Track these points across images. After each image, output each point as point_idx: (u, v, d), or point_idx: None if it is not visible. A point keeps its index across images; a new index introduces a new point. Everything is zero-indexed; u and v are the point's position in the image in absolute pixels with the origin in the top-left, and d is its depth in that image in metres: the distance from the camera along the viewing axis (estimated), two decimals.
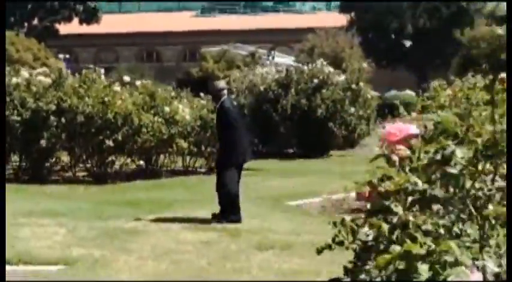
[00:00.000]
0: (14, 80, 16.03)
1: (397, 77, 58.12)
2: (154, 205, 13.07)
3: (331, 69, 22.98)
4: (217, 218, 11.39)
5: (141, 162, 16.49)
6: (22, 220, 11.38)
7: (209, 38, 68.00)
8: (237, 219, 11.31)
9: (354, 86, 22.88)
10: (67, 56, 53.78)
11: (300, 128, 22.37)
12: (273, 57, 53.55)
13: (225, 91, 11.93)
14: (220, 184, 11.59)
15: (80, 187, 15.45)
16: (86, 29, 63.12)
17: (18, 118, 15.68)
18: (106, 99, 15.53)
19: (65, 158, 16.82)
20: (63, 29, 62.22)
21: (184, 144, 16.95)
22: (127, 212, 12.29)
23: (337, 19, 62.31)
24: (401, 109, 13.74)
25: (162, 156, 17.50)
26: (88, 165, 16.87)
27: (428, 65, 60.78)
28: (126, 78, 16.74)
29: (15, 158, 17.71)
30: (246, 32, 69.89)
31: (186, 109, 17.21)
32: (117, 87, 16.03)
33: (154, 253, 9.13)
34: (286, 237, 10.22)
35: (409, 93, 57.26)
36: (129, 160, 16.86)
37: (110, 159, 16.29)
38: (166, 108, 16.64)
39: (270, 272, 8.26)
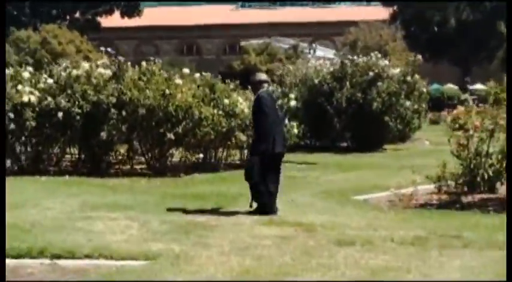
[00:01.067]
0: (74, 72, 15.90)
1: (440, 71, 57.48)
2: (220, 199, 12.87)
3: (387, 62, 22.67)
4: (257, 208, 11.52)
5: (201, 155, 16.27)
6: (91, 213, 11.28)
7: (249, 31, 67.82)
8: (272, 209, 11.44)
9: (409, 78, 22.52)
10: (109, 49, 53.85)
11: (354, 121, 22.08)
12: (315, 51, 53.28)
13: (266, 84, 11.96)
14: (246, 171, 11.71)
15: (140, 180, 15.30)
16: (126, 22, 63.21)
17: (79, 110, 15.57)
18: (167, 91, 15.33)
19: (121, 150, 16.69)
20: (104, 22, 62.37)
21: (243, 137, 16.73)
22: (194, 205, 12.13)
23: (377, 12, 61.85)
24: (470, 101, 13.48)
25: (220, 149, 17.28)
26: (145, 158, 16.71)
27: (472, 59, 60.02)
28: (186, 71, 16.51)
29: (73, 150, 17.67)
30: (286, 25, 69.63)
31: (243, 101, 16.98)
32: (178, 80, 15.83)
33: (234, 248, 8.92)
34: (364, 233, 9.97)
35: (452, 87, 56.71)
36: (187, 153, 16.68)
37: (169, 152, 16.11)
38: (226, 101, 16.42)
39: (357, 269, 8.00)
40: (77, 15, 60.47)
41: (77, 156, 17.32)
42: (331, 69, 22.90)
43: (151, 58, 17.22)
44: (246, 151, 17.96)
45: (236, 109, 16.63)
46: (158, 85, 15.64)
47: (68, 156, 17.78)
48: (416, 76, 23.10)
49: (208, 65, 59.20)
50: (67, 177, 15.52)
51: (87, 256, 8.49)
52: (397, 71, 22.82)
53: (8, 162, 14.66)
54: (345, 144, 23.95)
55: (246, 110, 16.97)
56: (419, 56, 23.72)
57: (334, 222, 10.83)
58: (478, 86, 49.40)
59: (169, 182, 15.28)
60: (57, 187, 14.16)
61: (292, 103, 17.91)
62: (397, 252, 8.84)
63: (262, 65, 51.66)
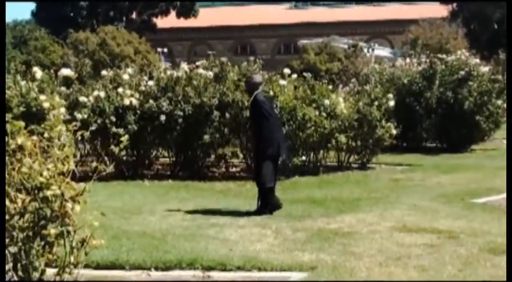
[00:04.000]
0: (175, 73, 15.56)
1: (499, 69, 56.39)
2: (338, 203, 12.45)
3: (477, 60, 22.04)
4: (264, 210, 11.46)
5: (303, 157, 15.81)
6: (215, 220, 10.90)
7: (304, 30, 67.43)
8: (264, 211, 11.31)
9: (500, 77, 21.87)
10: (165, 49, 53.76)
11: (444, 121, 21.50)
12: (373, 49, 52.71)
13: (261, 86, 11.99)
14: (259, 176, 11.58)
15: (245, 184, 14.86)
16: (181, 22, 63.12)
17: (181, 113, 15.20)
18: (271, 93, 14.90)
19: (226, 153, 16.31)
20: (159, 23, 62.37)
21: (343, 139, 16.25)
22: (316, 211, 11.71)
23: (435, 10, 60.86)
24: None
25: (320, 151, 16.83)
26: (245, 161, 16.33)
27: None
28: (287, 71, 16.05)
29: (165, 153, 17.34)
30: (341, 24, 69.10)
31: (343, 102, 16.52)
32: (282, 81, 15.39)
33: (387, 258, 8.46)
34: None
35: None
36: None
37: None
38: (326, 101, 15.96)
39: None
40: (134, 16, 60.47)
41: (170, 159, 16.96)
42: (420, 68, 22.31)
43: (212, 53, 16.80)
44: (343, 153, 17.52)
45: (336, 110, 16.13)
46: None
47: (161, 159, 17.45)
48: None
49: (263, 65, 58.75)
50: (170, 181, 15.19)
51: (239, 268, 8.08)
52: (486, 69, 22.17)
53: (111, 167, 14.29)
54: (433, 144, 23.34)
55: (345, 111, 16.50)
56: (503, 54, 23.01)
57: (473, 228, 10.33)
58: None
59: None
60: (164, 192, 13.83)
61: (391, 103, 17.36)
62: None
63: (322, 65, 51.29)
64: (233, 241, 9.43)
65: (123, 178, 15.19)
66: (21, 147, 5.27)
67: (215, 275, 7.88)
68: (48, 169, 5.24)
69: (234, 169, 16.97)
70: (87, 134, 5.68)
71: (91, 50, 49.48)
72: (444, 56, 22.67)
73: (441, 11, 59.87)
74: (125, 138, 5.92)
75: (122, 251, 8.52)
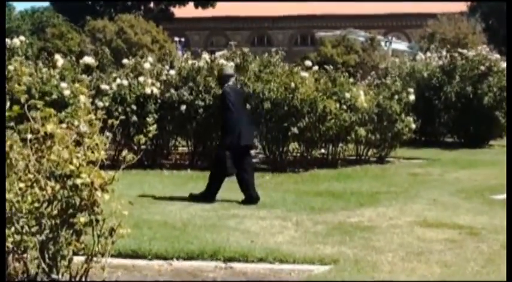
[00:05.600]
0: (196, 63, 15.54)
1: None
2: (358, 197, 12.44)
3: (498, 56, 21.92)
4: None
5: (323, 150, 15.78)
6: (236, 211, 10.91)
7: (320, 22, 67.29)
8: (209, 200, 11.65)
9: None
10: (182, 39, 53.72)
11: (463, 116, 21.42)
12: (390, 43, 52.47)
13: (232, 78, 12.22)
14: (214, 162, 12.18)
15: (264, 175, 14.84)
16: (198, 12, 62.98)
17: (202, 103, 15.19)
18: (292, 84, 14.87)
19: None
20: (177, 12, 62.24)
21: (363, 132, 16.21)
22: (336, 204, 11.70)
23: (453, 4, 60.53)
24: None
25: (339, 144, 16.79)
26: (264, 153, 16.29)
27: None
28: (308, 63, 16.01)
29: (183, 143, 17.35)
30: (358, 17, 68.81)
31: (363, 95, 16.47)
32: (304, 73, 15.34)
33: (409, 253, 8.42)
34: None
35: None
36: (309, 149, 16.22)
37: (290, 147, 15.68)
38: (347, 94, 15.91)
39: None
40: (151, 5, 60.38)
41: (189, 149, 16.95)
42: (440, 62, 22.21)
43: (234, 44, 16.78)
44: (362, 147, 17.48)
45: (357, 103, 16.08)
46: (282, 77, 15.17)
47: (180, 149, 17.46)
48: None
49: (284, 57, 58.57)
50: (189, 171, 15.19)
51: (261, 260, 8.07)
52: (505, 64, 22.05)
53: (130, 156, 14.28)
54: (450, 139, 23.26)
55: (365, 105, 16.45)
56: None
57: (494, 225, 10.28)
58: None
59: (294, 177, 14.86)
60: (183, 181, 13.85)
61: (411, 97, 17.29)
62: None
63: (339, 57, 51.11)
64: (254, 233, 9.41)
65: (143, 167, 15.19)
66: (51, 135, 5.26)
67: (237, 266, 7.86)
68: (77, 157, 5.24)
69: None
70: (116, 122, 5.68)
71: (108, 38, 49.46)
72: (465, 51, 22.56)
73: (459, 5, 59.55)
74: (153, 128, 5.91)
75: (143, 240, 8.53)
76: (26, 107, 5.20)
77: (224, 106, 11.74)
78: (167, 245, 8.37)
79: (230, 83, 11.99)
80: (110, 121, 5.66)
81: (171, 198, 11.97)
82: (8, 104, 5.09)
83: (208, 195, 11.78)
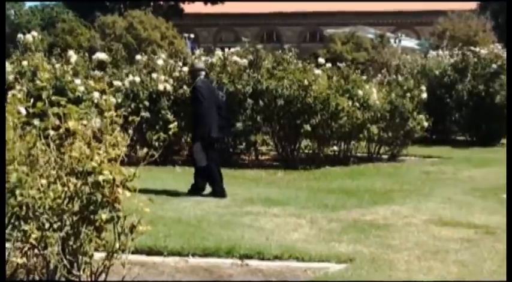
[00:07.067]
0: (209, 60, 15.52)
1: None
2: (371, 195, 12.42)
3: None
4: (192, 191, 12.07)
5: (335, 147, 15.75)
6: (250, 208, 10.91)
7: (330, 19, 67.09)
8: (220, 195, 11.81)
9: None
10: (192, 35, 53.64)
11: (475, 114, 21.35)
12: (400, 40, 52.33)
13: (203, 72, 12.39)
14: (191, 155, 12.36)
15: (276, 172, 14.87)
16: (208, 8, 62.91)
17: None
18: (306, 82, 14.84)
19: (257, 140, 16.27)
20: (187, 8, 62.18)
21: (375, 130, 16.17)
22: (349, 202, 11.69)
23: (463, 2, 60.34)
24: None
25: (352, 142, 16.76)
26: (276, 150, 16.27)
27: None
28: (321, 60, 15.97)
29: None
30: (367, 14, 68.65)
31: (376, 93, 16.43)
32: (317, 70, 15.31)
33: (425, 252, 8.39)
34: None
35: None
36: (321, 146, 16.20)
37: (302, 144, 15.65)
38: (360, 92, 15.87)
39: None
40: (161, 1, 60.33)
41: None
42: (451, 60, 22.15)
43: (247, 41, 16.75)
44: (374, 144, 17.44)
45: (369, 101, 16.04)
46: (295, 75, 15.14)
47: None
48: None
49: (297, 54, 58.40)
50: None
51: (277, 257, 8.05)
52: None
53: (144, 151, 14.28)
54: (462, 137, 23.19)
55: (378, 102, 16.41)
56: None
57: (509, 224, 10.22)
58: None
59: (306, 175, 14.84)
60: None
61: (424, 95, 17.25)
62: None
63: (348, 54, 51.02)
64: (269, 230, 9.40)
65: (155, 164, 15.13)
66: (72, 131, 5.25)
67: (253, 263, 7.85)
68: (98, 154, 5.23)
69: (263, 157, 16.94)
70: (137, 119, 5.67)
71: (118, 34, 49.43)
72: (477, 49, 22.49)
73: (469, 3, 59.38)
74: (173, 125, 5.90)
75: (159, 237, 8.51)
76: (47, 103, 5.19)
77: (195, 99, 11.98)
78: (182, 241, 8.36)
79: (201, 76, 12.18)
80: (130, 118, 5.64)
81: (185, 195, 11.96)
82: (31, 100, 5.09)
83: (217, 190, 11.95)
